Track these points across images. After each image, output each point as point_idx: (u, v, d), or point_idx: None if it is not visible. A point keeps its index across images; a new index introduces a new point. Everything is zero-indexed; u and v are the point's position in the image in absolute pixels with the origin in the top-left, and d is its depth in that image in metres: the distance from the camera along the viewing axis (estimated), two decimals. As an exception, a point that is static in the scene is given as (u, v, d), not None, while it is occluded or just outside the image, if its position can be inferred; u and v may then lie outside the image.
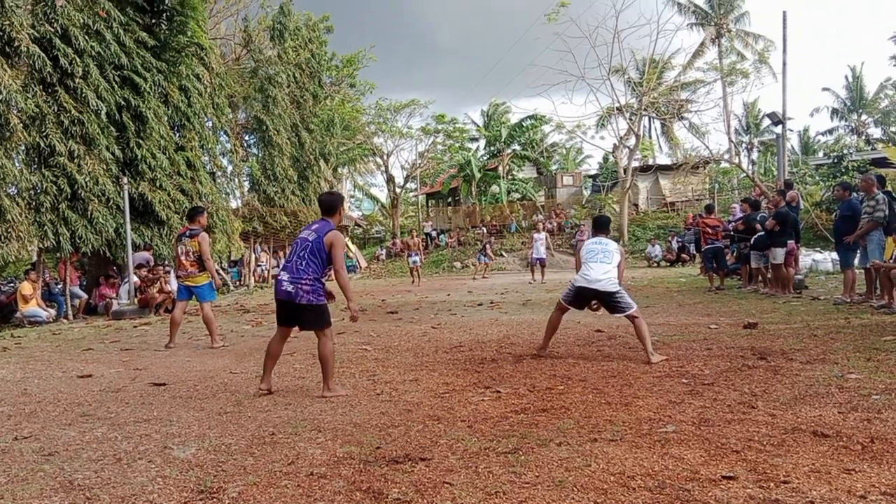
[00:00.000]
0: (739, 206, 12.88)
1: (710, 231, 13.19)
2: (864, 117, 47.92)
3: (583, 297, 6.35)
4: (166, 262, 15.35)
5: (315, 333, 5.12)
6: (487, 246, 25.80)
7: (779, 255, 10.99)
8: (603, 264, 6.19)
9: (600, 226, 6.85)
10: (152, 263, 14.53)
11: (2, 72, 11.66)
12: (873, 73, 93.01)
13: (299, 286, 4.96)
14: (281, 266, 5.14)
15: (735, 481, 2.85)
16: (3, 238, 11.83)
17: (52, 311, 13.42)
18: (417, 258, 22.54)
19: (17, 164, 12.92)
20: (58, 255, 14.27)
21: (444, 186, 40.69)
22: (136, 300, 13.85)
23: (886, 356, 5.34)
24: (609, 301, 6.20)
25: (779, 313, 8.63)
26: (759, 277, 12.08)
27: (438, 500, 2.79)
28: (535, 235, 20.61)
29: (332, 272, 5.17)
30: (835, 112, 49.02)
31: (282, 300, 5.08)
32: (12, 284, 15.28)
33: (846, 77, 48.96)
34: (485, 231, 34.71)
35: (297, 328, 5.26)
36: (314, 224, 5.24)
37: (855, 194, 10.54)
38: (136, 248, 14.18)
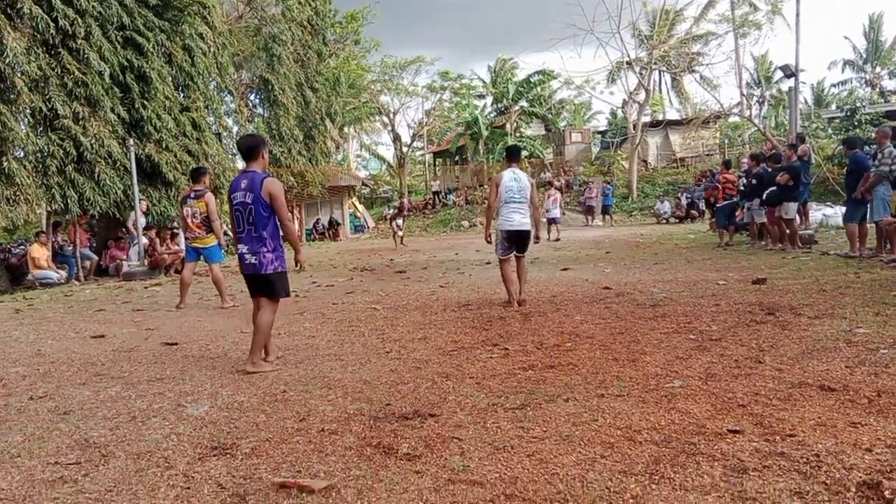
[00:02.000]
0: (747, 162, 12.70)
1: (730, 187, 13.06)
2: (878, 69, 46.91)
3: (512, 240, 6.92)
4: (174, 224, 15.38)
5: (263, 300, 4.77)
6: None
7: (791, 209, 10.91)
8: (522, 205, 6.81)
9: (513, 156, 7.24)
10: (143, 222, 14.22)
11: (6, 34, 11.54)
12: (892, 24, 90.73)
13: (262, 255, 4.65)
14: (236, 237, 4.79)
15: (741, 435, 2.87)
16: (11, 201, 11.88)
17: (63, 273, 13.55)
18: (400, 221, 22.14)
19: (23, 128, 12.88)
20: (67, 217, 14.32)
21: (451, 144, 40.36)
22: (146, 262, 13.94)
23: (895, 311, 5.32)
24: (524, 241, 6.95)
25: (788, 268, 8.60)
26: (766, 232, 12.04)
27: (447, 454, 2.84)
28: (549, 193, 20.62)
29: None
30: (849, 63, 47.97)
31: (249, 274, 4.77)
32: (23, 247, 15.38)
33: (863, 26, 47.82)
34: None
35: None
36: (242, 181, 4.70)
37: (869, 147, 10.39)
38: (134, 207, 14.02)
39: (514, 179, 6.87)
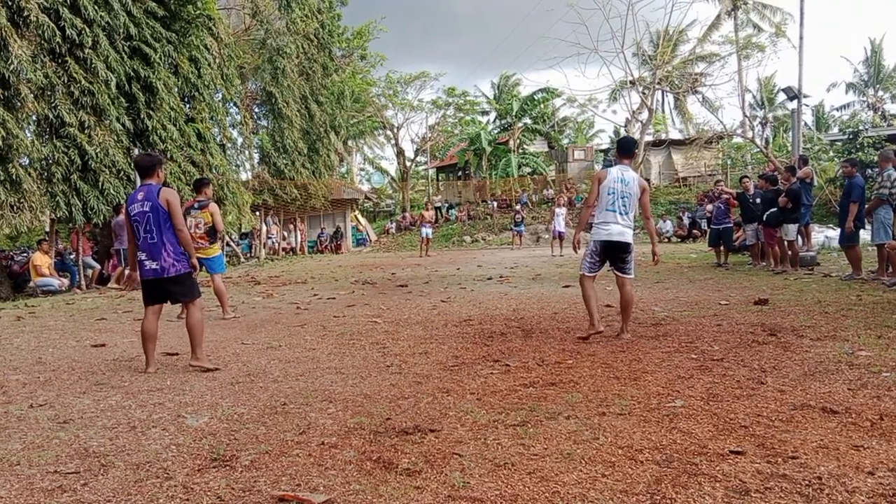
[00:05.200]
0: (754, 183, 12.73)
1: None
2: (880, 93, 47.11)
3: (604, 254, 5.83)
4: None
5: (184, 305, 5.14)
6: (519, 217, 26.63)
7: (791, 231, 10.93)
8: (624, 216, 5.69)
9: (625, 149, 6.10)
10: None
11: (12, 42, 11.63)
12: (893, 48, 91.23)
13: (162, 260, 4.94)
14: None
15: (743, 456, 2.86)
16: (15, 208, 11.91)
17: (66, 281, 13.56)
18: (430, 231, 23.08)
19: (28, 135, 12.95)
20: (70, 225, 14.35)
21: (459, 159, 40.49)
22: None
23: (898, 334, 5.31)
24: (622, 254, 5.74)
25: (790, 290, 8.59)
26: (760, 254, 12.10)
27: (448, 470, 2.82)
28: (556, 210, 21.22)
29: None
30: (851, 86, 48.18)
31: (150, 280, 5.03)
32: (25, 254, 15.41)
33: (865, 49, 48.09)
34: (495, 206, 34.70)
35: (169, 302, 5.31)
36: (138, 193, 5.02)
37: (870, 171, 10.43)
38: (116, 211, 13.91)
39: (621, 180, 5.70)
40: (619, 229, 5.67)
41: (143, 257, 4.99)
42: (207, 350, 5.93)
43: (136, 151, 13.89)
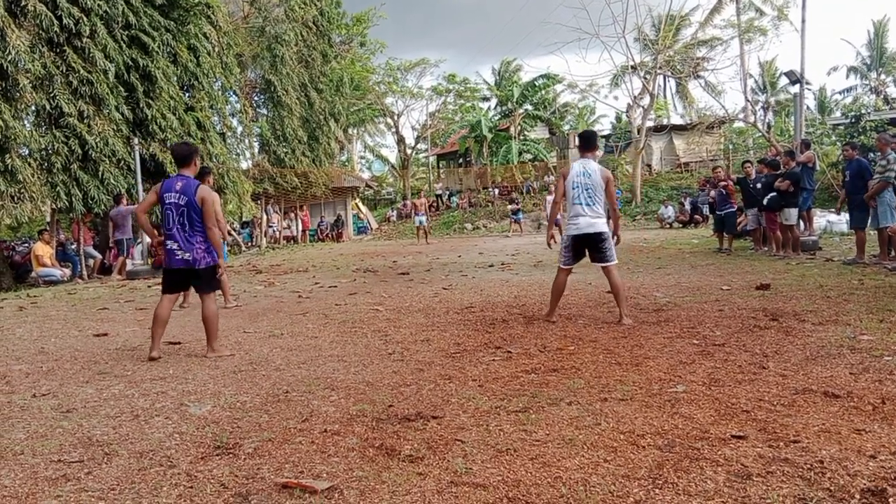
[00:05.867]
0: (755, 168, 12.68)
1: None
2: (883, 76, 46.83)
3: (580, 247, 6.01)
4: None
5: (202, 296, 5.26)
6: (514, 203, 26.59)
7: (791, 215, 10.91)
8: (591, 206, 5.84)
9: (587, 143, 6.13)
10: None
11: (10, 32, 11.58)
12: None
13: (195, 251, 5.07)
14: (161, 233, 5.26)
15: (745, 440, 2.86)
16: (15, 198, 11.91)
17: (67, 271, 13.58)
18: (424, 218, 22.85)
19: (27, 125, 12.92)
20: (71, 215, 14.34)
21: (460, 146, 40.36)
22: (150, 261, 13.98)
23: (900, 318, 5.31)
24: (597, 243, 5.89)
25: (792, 275, 8.58)
26: (762, 239, 12.10)
27: (450, 456, 2.83)
28: (548, 198, 20.65)
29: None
30: (853, 70, 47.89)
31: (180, 269, 5.14)
32: (27, 245, 15.42)
33: (868, 32, 47.75)
34: (496, 192, 34.65)
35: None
36: (176, 183, 5.11)
37: (872, 154, 10.39)
38: (116, 201, 13.94)
39: (583, 173, 5.83)
40: (588, 221, 5.83)
41: (174, 247, 5.09)
42: (210, 339, 5.96)
43: (136, 140, 13.88)
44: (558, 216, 6.23)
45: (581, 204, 5.84)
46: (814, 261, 10.13)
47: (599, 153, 5.20)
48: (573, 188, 5.88)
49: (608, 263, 5.88)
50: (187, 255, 5.06)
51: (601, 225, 5.87)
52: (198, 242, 5.08)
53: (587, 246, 5.96)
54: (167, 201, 5.09)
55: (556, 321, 6.05)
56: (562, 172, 6.09)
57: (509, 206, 27.22)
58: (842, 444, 2.77)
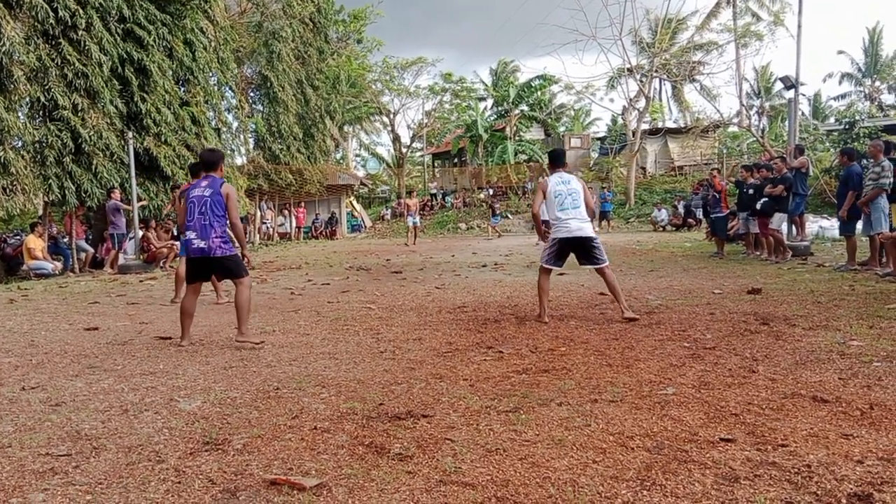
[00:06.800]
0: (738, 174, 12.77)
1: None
2: (877, 83, 47.08)
3: (566, 250, 6.19)
4: (170, 220, 15.38)
5: (233, 282, 5.48)
6: (489, 208, 26.45)
7: (777, 220, 11.02)
8: (577, 209, 6.10)
9: (557, 160, 6.49)
10: (122, 208, 14.10)
11: (5, 23, 11.51)
12: (891, 38, 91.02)
13: (210, 240, 5.23)
14: (185, 227, 5.43)
15: (733, 444, 2.87)
16: (7, 191, 11.83)
17: (59, 265, 13.50)
18: (417, 219, 22.64)
19: (21, 118, 12.84)
20: (63, 208, 14.26)
21: (452, 146, 40.36)
22: (142, 256, 13.95)
23: (889, 324, 5.34)
24: (588, 248, 6.11)
25: (783, 279, 8.62)
26: (754, 242, 12.16)
27: (440, 455, 2.83)
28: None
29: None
30: (847, 77, 48.12)
31: (196, 258, 5.33)
32: (19, 237, 15.33)
33: (863, 39, 48.00)
34: (490, 192, 34.65)
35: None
36: (202, 181, 5.42)
37: (865, 161, 10.44)
38: (110, 195, 13.86)
39: (562, 182, 6.21)
40: (577, 224, 6.10)
41: (193, 236, 5.29)
42: (201, 334, 5.95)
43: (130, 134, 13.82)
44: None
45: (568, 208, 6.12)
46: (805, 266, 10.17)
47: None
48: (556, 196, 6.16)
49: (602, 265, 6.12)
50: (203, 243, 5.24)
51: (590, 230, 6.17)
52: (214, 233, 5.25)
53: (576, 249, 6.18)
54: (191, 196, 5.37)
55: (548, 322, 6.09)
56: (539, 186, 6.43)
57: (493, 209, 27.70)
58: (829, 448, 2.79)
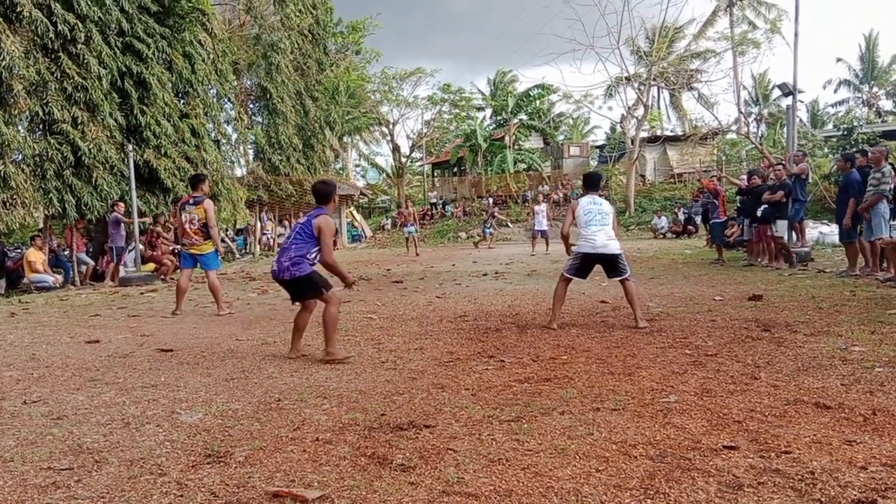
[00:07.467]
0: (746, 178, 12.77)
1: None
2: (875, 89, 47.21)
3: (589, 264, 6.39)
4: (167, 218, 15.54)
5: (319, 300, 5.45)
6: (491, 217, 26.45)
7: (781, 227, 11.03)
8: (605, 227, 6.29)
9: (592, 183, 6.71)
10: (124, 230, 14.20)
11: (5, 37, 11.55)
12: (887, 44, 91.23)
13: (281, 262, 5.26)
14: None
15: (736, 451, 2.87)
16: (7, 205, 11.84)
17: (59, 277, 13.50)
18: (413, 228, 22.40)
19: (21, 131, 12.86)
20: (64, 221, 14.27)
21: (452, 155, 40.43)
22: (153, 267, 14.04)
23: (891, 329, 5.34)
24: (614, 263, 6.29)
25: (784, 286, 8.62)
26: (754, 248, 12.17)
27: (442, 466, 2.83)
28: (536, 208, 20.18)
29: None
30: (845, 83, 48.28)
31: (274, 279, 5.45)
32: (19, 251, 15.33)
33: (859, 46, 48.17)
34: (490, 202, 34.67)
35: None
36: (314, 211, 5.44)
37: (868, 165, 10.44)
38: (111, 209, 13.87)
39: (593, 202, 6.42)
40: (604, 240, 6.24)
41: (276, 258, 5.41)
42: (202, 346, 5.94)
43: (130, 147, 13.85)
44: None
45: (595, 224, 6.30)
46: (806, 272, 10.17)
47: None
48: (585, 214, 6.35)
49: (625, 276, 6.28)
50: (275, 265, 5.31)
51: (616, 247, 6.27)
52: (288, 255, 5.23)
53: (602, 263, 6.36)
54: (299, 222, 5.46)
55: (556, 329, 6.15)
56: (571, 207, 6.66)
57: (487, 218, 28.16)
58: (833, 455, 2.78)
